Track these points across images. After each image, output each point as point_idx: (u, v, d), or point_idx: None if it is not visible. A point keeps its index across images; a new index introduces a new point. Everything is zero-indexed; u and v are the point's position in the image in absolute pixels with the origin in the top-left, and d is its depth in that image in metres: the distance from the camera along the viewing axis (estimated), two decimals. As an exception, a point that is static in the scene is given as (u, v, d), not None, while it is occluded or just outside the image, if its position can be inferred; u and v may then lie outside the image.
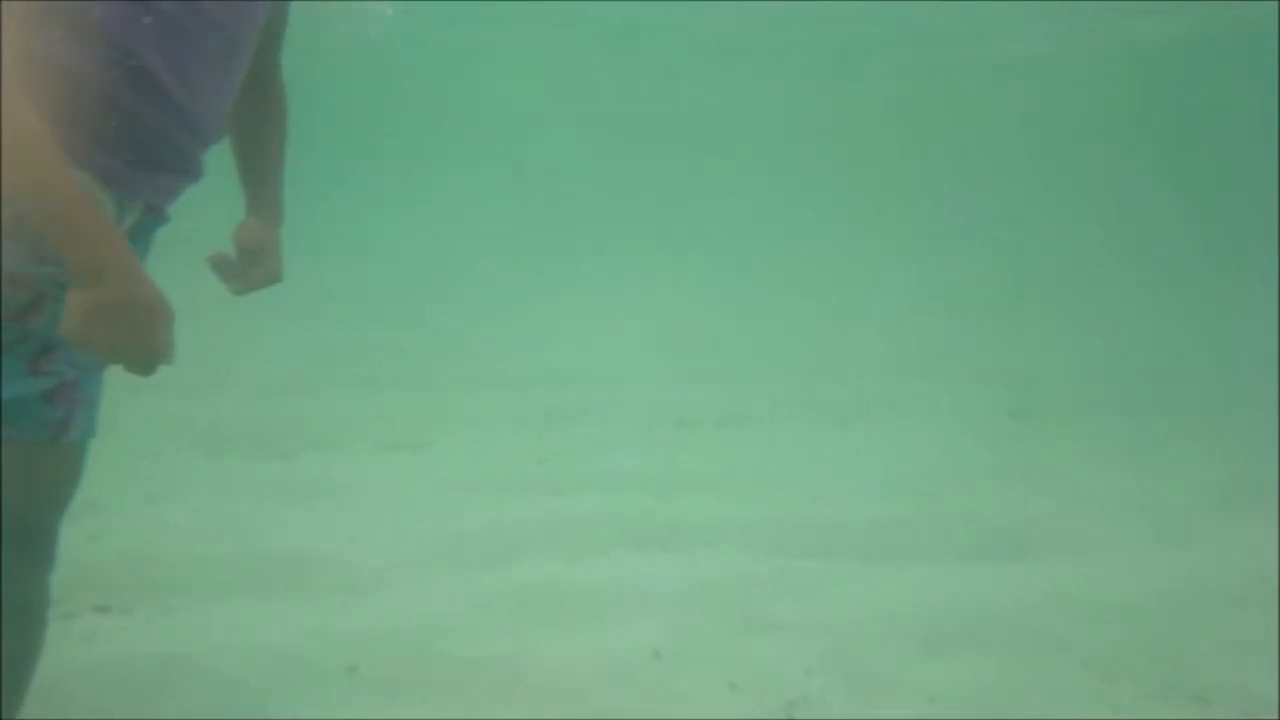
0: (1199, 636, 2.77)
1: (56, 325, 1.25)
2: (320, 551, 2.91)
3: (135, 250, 1.21)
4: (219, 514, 3.23)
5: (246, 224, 1.60)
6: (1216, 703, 2.43)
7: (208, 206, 1.96)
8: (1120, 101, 19.48)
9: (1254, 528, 3.66)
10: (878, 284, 10.01)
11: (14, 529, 1.34)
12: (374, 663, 2.37)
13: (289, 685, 2.20)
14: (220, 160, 1.47)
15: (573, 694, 2.38)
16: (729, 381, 6.19)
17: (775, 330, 8.01)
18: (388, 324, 6.59)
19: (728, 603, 2.94)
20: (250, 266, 1.56)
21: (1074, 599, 2.96)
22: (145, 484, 3.52)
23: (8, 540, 1.34)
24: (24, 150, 1.06)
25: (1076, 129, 21.05)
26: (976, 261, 12.32)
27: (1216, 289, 10.76)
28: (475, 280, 9.19)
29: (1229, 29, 13.63)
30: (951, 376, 6.47)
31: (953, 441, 4.96)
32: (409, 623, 2.60)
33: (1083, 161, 19.80)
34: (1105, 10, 12.96)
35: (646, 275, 10.07)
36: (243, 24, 1.31)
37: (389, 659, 2.40)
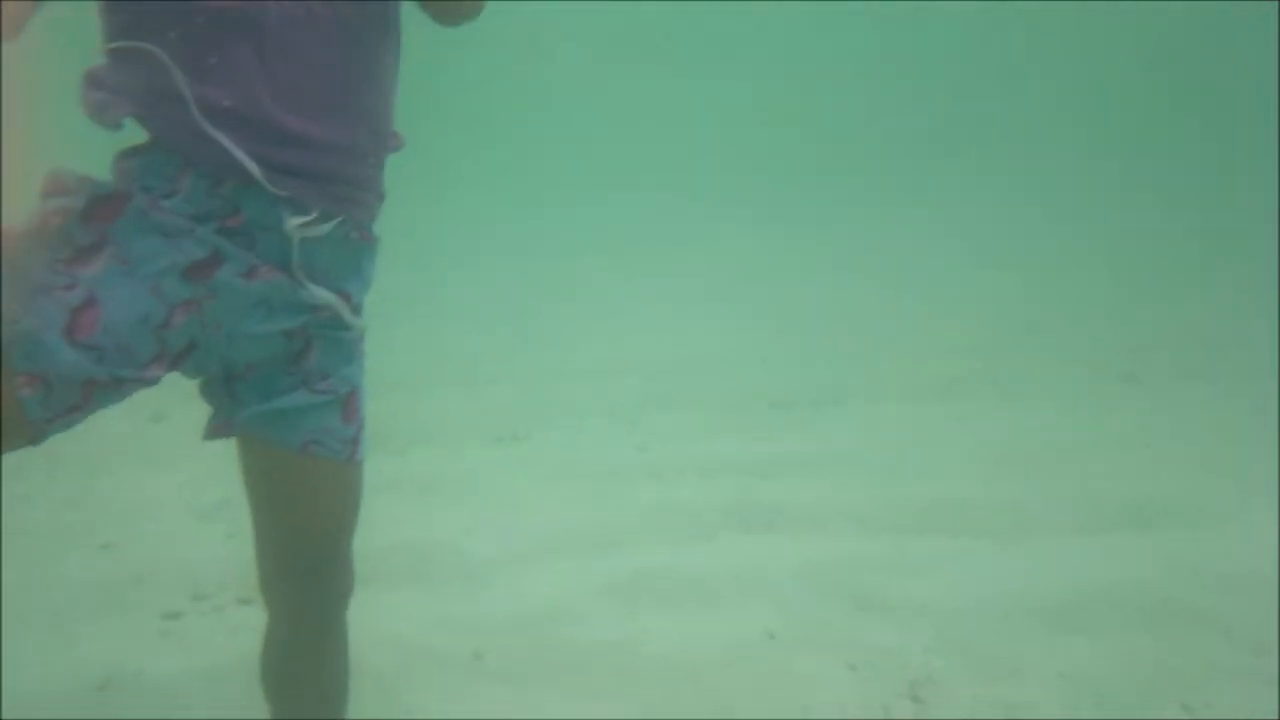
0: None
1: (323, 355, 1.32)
2: (438, 543, 3.01)
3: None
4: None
5: None
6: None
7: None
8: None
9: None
10: (971, 254, 9.72)
11: (324, 553, 1.39)
12: (497, 649, 2.43)
13: (419, 673, 2.28)
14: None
15: (690, 676, 2.39)
16: (822, 361, 6.11)
17: (866, 306, 7.86)
18: (477, 324, 6.73)
19: (840, 583, 2.92)
20: None
21: (1209, 570, 2.84)
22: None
23: (323, 567, 1.39)
24: None
25: (1187, 80, 19.98)
26: (1073, 227, 11.85)
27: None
28: (555, 275, 9.30)
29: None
30: (1055, 346, 6.26)
31: (1062, 412, 4.80)
32: (527, 610, 2.66)
33: (1184, 118, 18.81)
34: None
35: (728, 258, 10.00)
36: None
37: (511, 645, 2.46)
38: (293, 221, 1.25)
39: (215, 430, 1.38)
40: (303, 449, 1.33)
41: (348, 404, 1.36)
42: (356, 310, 1.39)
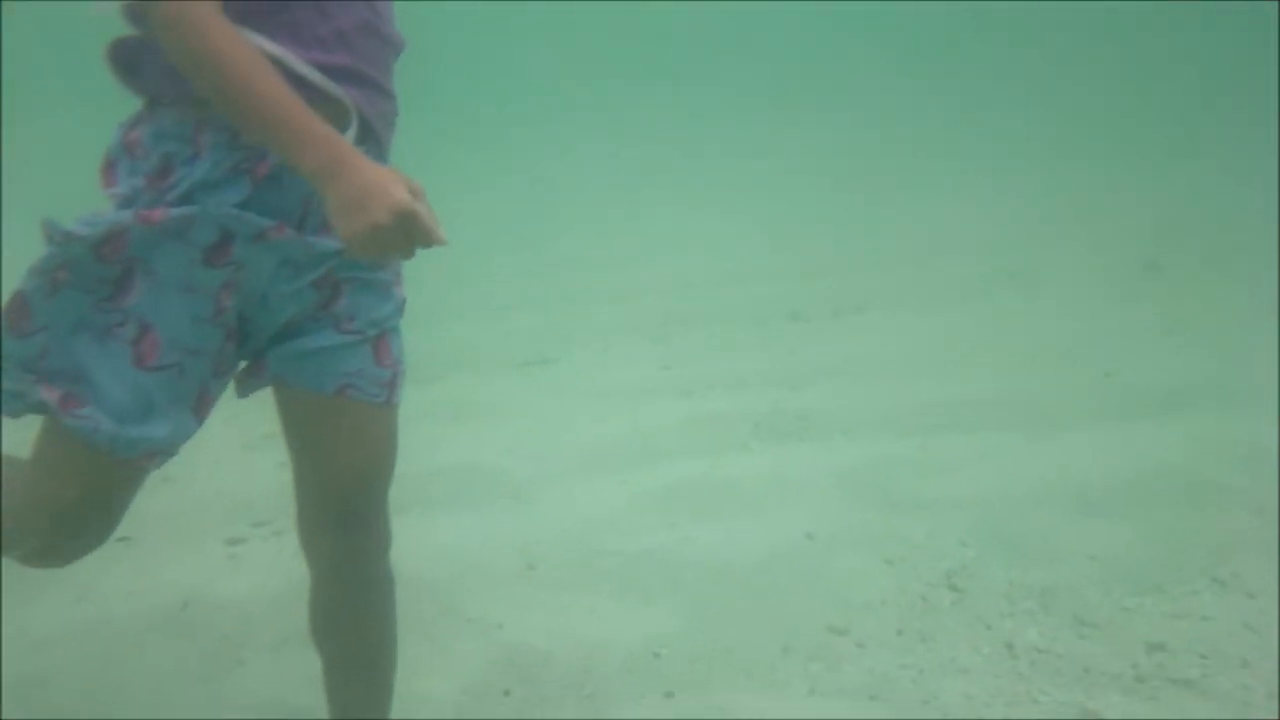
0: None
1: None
2: (480, 465, 3.09)
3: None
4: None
5: None
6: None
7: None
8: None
9: None
10: (982, 158, 9.57)
11: (363, 499, 1.39)
12: (548, 560, 2.53)
13: (476, 585, 2.38)
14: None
15: (734, 577, 2.48)
16: (841, 271, 6.10)
17: (878, 216, 7.80)
18: (497, 249, 6.74)
19: (873, 484, 2.99)
20: None
21: (1236, 450, 2.89)
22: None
23: (362, 515, 1.39)
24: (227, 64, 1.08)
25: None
26: (1088, 112, 11.61)
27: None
28: (572, 197, 9.24)
29: None
30: (1074, 238, 6.22)
31: (1084, 304, 4.81)
32: (572, 524, 2.75)
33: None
34: None
35: (742, 172, 9.89)
36: None
37: (560, 556, 2.56)
38: None
39: (245, 380, 1.38)
40: (338, 392, 1.33)
41: (379, 346, 1.36)
42: None
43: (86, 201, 1.27)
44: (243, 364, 1.39)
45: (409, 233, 1.06)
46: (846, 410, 3.66)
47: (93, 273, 1.21)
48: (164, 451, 1.28)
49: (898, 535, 2.67)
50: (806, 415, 3.64)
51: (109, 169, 1.29)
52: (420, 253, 1.11)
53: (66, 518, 1.25)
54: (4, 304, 1.21)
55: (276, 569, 2.44)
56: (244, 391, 1.40)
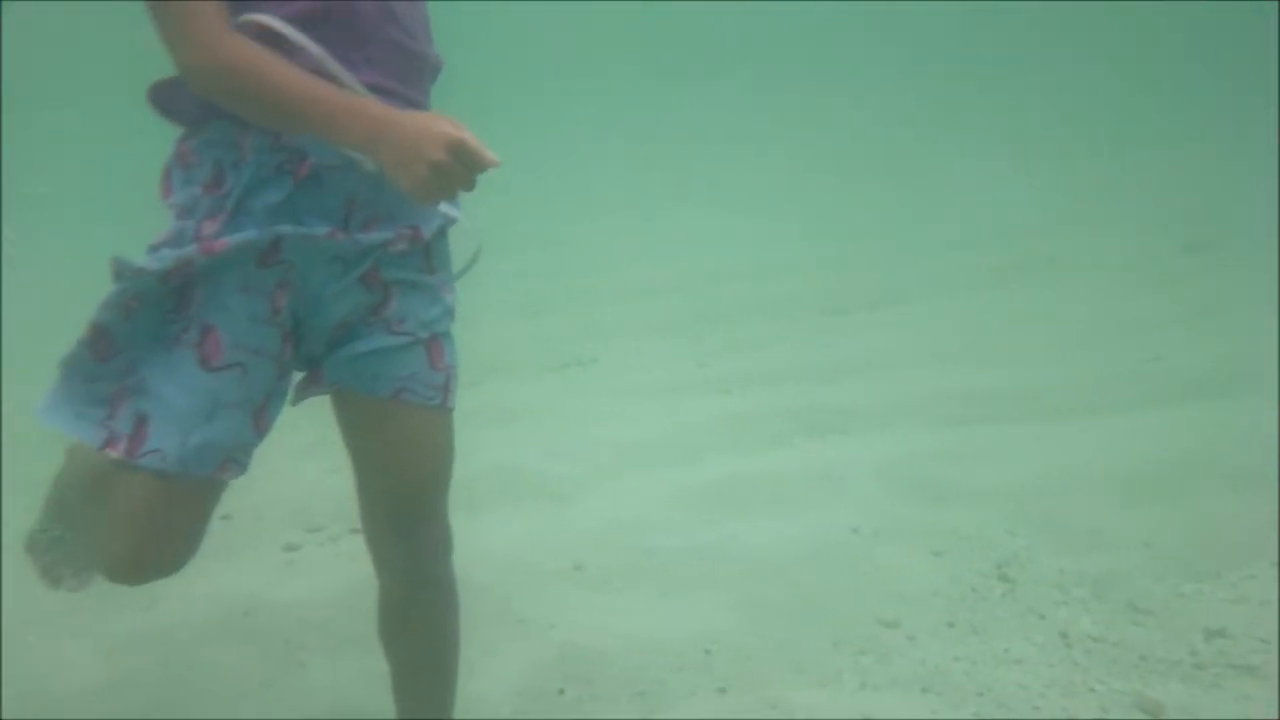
0: None
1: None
2: (522, 467, 3.12)
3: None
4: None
5: None
6: None
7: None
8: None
9: None
10: (1014, 142, 9.47)
11: (422, 502, 1.42)
12: (595, 560, 2.55)
13: (525, 586, 2.40)
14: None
15: (780, 573, 2.47)
16: (874, 263, 6.08)
17: (910, 208, 7.75)
18: (528, 250, 6.79)
19: (916, 476, 2.97)
20: None
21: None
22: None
23: (422, 518, 1.43)
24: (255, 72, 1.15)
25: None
26: (1121, 96, 11.44)
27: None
28: (596, 196, 9.29)
29: None
30: (1112, 222, 6.13)
31: (1125, 288, 4.75)
32: (616, 523, 2.76)
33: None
34: None
35: (767, 168, 9.87)
36: None
37: (607, 556, 2.57)
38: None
39: (304, 389, 1.42)
40: (394, 396, 1.36)
41: (432, 349, 1.39)
42: (432, 248, 1.41)
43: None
44: (300, 374, 1.43)
45: (465, 161, 1.12)
46: (886, 403, 3.64)
47: (159, 293, 1.27)
48: (233, 460, 1.31)
49: (944, 527, 2.66)
50: (845, 409, 3.62)
51: (166, 180, 1.35)
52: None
53: (149, 559, 1.32)
54: (84, 338, 1.27)
55: (333, 573, 2.49)
56: (299, 399, 1.43)
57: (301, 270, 1.31)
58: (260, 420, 1.34)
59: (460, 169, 1.12)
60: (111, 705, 2.01)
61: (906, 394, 3.72)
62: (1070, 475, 2.86)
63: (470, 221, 1.42)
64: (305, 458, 3.11)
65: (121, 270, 1.26)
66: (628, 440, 3.40)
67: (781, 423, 3.54)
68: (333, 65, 1.23)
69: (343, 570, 2.44)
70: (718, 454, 3.28)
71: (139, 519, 1.29)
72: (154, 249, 1.28)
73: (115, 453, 1.25)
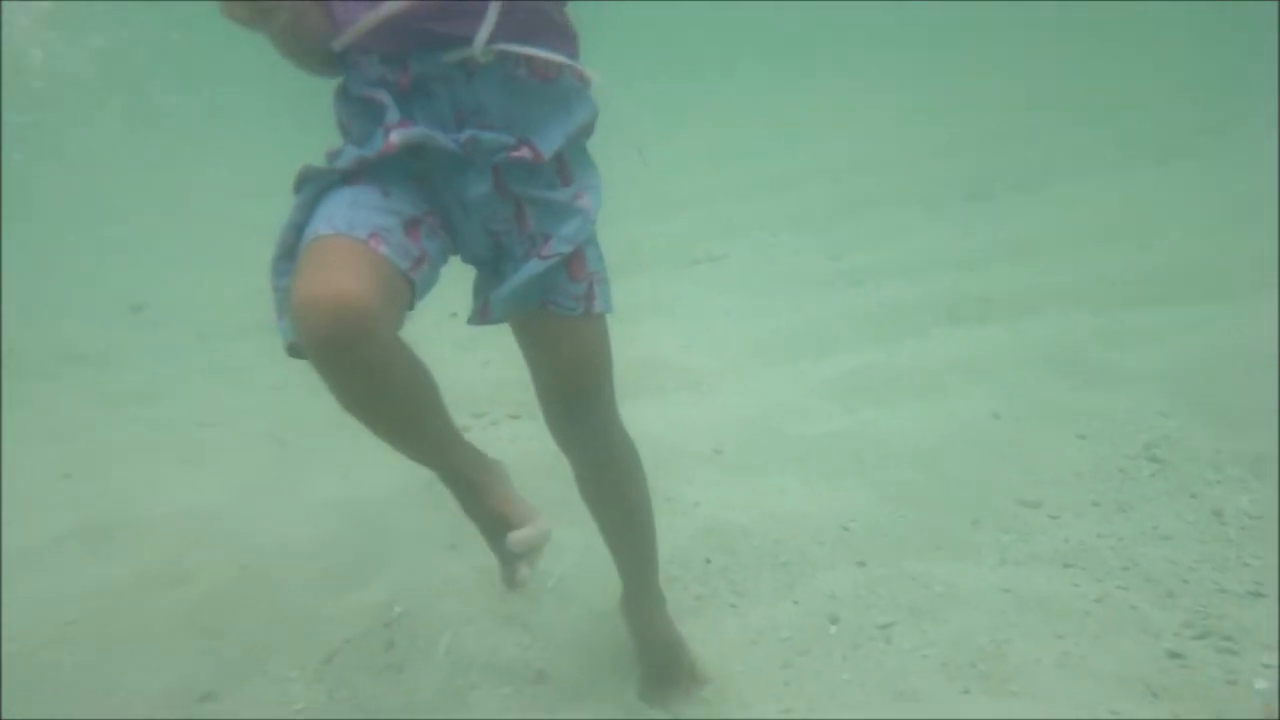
0: None
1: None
2: (662, 359, 3.22)
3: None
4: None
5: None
6: None
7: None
8: None
9: None
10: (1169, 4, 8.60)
11: (579, 398, 1.55)
12: (734, 445, 2.65)
13: (670, 468, 2.52)
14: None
15: (920, 457, 2.49)
16: (1017, 143, 5.76)
17: (1054, 73, 7.21)
18: (653, 141, 6.76)
19: (1062, 361, 2.91)
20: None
21: None
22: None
23: (582, 410, 1.56)
24: None
25: None
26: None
27: None
28: (717, 91, 9.10)
29: None
30: (1270, 90, 5.55)
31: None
32: (753, 411, 2.84)
33: None
34: None
35: (894, 52, 9.37)
36: None
37: (746, 441, 2.66)
38: (450, 55, 1.35)
39: (478, 315, 1.55)
40: (541, 306, 1.49)
41: (573, 263, 1.48)
42: (566, 158, 1.47)
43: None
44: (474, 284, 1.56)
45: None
46: (1032, 289, 3.53)
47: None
48: (384, 236, 1.31)
49: (1091, 410, 2.61)
50: (989, 297, 3.53)
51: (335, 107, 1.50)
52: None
53: (321, 293, 1.23)
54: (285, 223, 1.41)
55: (499, 452, 2.66)
56: (474, 320, 1.57)
57: (444, 175, 1.41)
58: (412, 233, 1.36)
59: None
60: (319, 559, 2.28)
61: (1053, 279, 3.59)
62: (1227, 355, 2.73)
63: (601, 80, 1.48)
64: (465, 350, 3.35)
65: (307, 171, 1.40)
66: (762, 334, 3.45)
67: (918, 313, 3.49)
68: None
69: (507, 450, 2.62)
70: (853, 346, 3.28)
71: (312, 259, 1.31)
72: (331, 156, 1.41)
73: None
